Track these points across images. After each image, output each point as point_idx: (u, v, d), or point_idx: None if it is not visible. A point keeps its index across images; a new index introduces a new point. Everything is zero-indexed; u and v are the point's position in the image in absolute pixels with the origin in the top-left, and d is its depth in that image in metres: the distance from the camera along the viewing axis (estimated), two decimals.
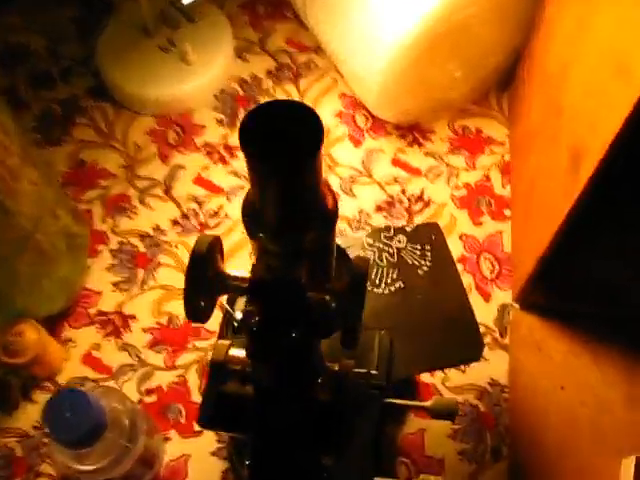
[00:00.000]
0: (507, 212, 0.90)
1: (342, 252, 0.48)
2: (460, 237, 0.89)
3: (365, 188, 0.92)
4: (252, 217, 0.41)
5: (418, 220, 0.89)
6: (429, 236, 0.73)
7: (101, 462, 0.65)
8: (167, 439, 0.78)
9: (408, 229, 0.72)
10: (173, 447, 0.78)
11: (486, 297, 0.85)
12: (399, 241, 0.72)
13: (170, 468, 0.77)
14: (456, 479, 0.76)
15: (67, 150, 0.95)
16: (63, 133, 0.96)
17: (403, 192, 0.92)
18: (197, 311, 0.43)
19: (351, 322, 0.42)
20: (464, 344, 0.68)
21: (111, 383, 0.81)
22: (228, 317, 0.67)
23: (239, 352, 0.50)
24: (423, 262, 0.71)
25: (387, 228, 0.73)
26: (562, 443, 0.76)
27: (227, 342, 0.50)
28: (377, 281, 0.72)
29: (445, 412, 0.60)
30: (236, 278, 0.45)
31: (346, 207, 0.91)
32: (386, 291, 0.71)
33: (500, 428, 0.78)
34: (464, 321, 0.70)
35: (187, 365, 0.82)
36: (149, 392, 0.81)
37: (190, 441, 0.78)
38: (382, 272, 0.72)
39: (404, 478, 0.76)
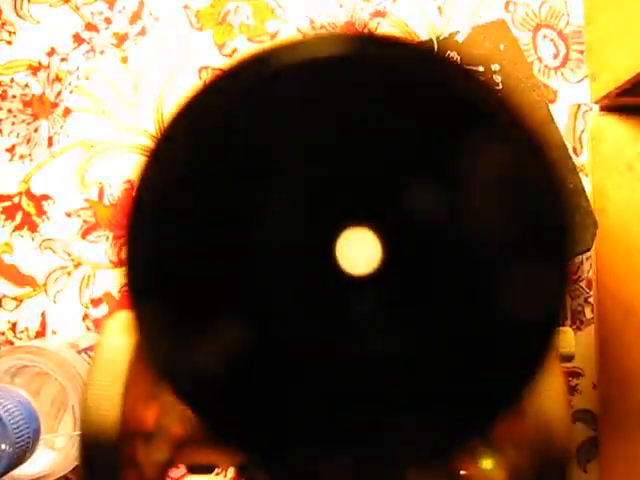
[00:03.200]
0: None
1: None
2: (506, 6, 0.60)
3: None
4: None
5: None
6: (494, 45, 0.45)
7: (46, 467, 0.45)
8: None
9: (459, 39, 0.43)
10: None
11: (550, 96, 0.59)
12: None
13: None
14: None
15: None
16: None
17: None
18: None
19: None
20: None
21: (41, 297, 0.58)
22: None
23: None
24: None
25: (426, 44, 0.44)
26: None
27: None
28: None
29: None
30: None
31: None
32: None
33: (581, 284, 0.58)
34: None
35: None
36: (96, 303, 0.58)
37: None
38: None
39: None
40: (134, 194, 0.13)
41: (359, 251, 0.13)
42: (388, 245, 0.13)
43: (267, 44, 0.13)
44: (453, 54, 0.45)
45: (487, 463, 0.22)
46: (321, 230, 0.13)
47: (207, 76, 0.59)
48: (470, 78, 0.13)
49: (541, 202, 0.13)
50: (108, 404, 0.18)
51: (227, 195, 0.13)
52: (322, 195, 0.13)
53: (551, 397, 0.19)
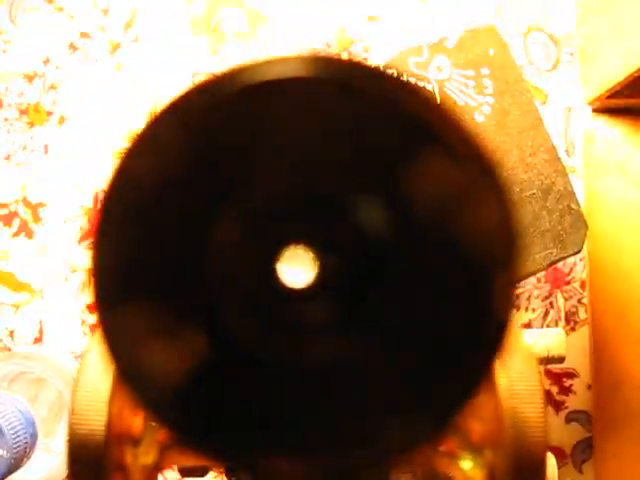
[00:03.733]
0: None
1: None
2: (497, 10, 0.60)
3: None
4: None
5: None
6: (484, 50, 0.45)
7: (44, 472, 0.45)
8: None
9: (449, 44, 0.44)
10: None
11: (542, 98, 0.59)
12: (438, 68, 0.43)
13: None
14: None
15: None
16: None
17: None
18: None
19: None
20: (560, 232, 0.44)
21: (39, 303, 0.58)
22: None
23: None
24: (482, 99, 0.44)
25: (416, 50, 0.44)
26: None
27: None
28: None
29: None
30: None
31: None
32: None
33: (575, 285, 0.58)
34: (556, 194, 0.45)
35: None
36: (92, 309, 0.58)
37: None
38: None
39: None
40: (102, 200, 0.14)
41: (298, 266, 0.13)
42: (327, 260, 0.14)
43: (236, 64, 0.14)
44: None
45: (466, 463, 0.22)
46: (268, 245, 0.14)
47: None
48: (417, 95, 0.13)
49: (489, 218, 0.13)
50: (95, 409, 0.18)
51: (189, 206, 0.14)
52: (273, 211, 0.14)
53: (527, 398, 0.20)
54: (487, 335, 0.13)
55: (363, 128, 0.13)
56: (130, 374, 0.13)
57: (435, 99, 0.13)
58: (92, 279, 0.14)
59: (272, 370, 0.13)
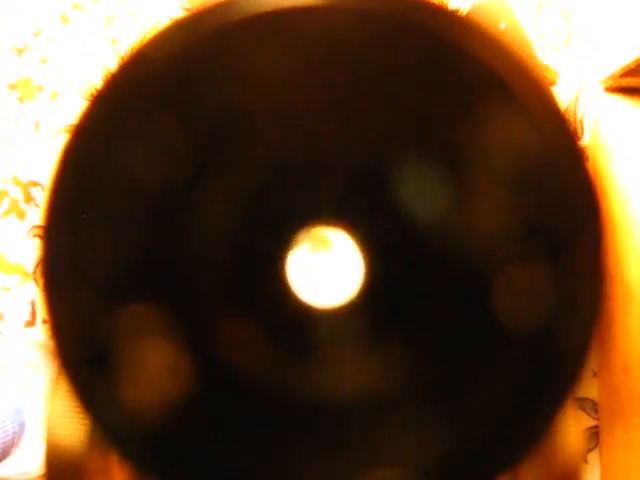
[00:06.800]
0: None
1: None
2: None
3: None
4: None
5: None
6: (494, 24, 0.43)
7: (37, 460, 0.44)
8: None
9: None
10: None
11: (553, 76, 0.57)
12: None
13: None
14: None
15: None
16: None
17: None
18: None
19: None
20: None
21: (31, 285, 0.56)
22: None
23: None
24: None
25: None
26: None
27: None
28: None
29: None
30: None
31: None
32: None
33: None
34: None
35: None
36: None
37: None
38: None
39: None
40: (53, 180, 0.12)
41: (330, 275, 0.10)
42: (372, 259, 0.11)
43: None
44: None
45: None
46: (276, 234, 0.10)
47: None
48: (484, 38, 0.10)
49: (571, 191, 0.11)
50: (74, 412, 0.17)
51: (165, 177, 0.11)
52: (283, 184, 0.10)
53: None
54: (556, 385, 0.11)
55: (408, 74, 0.10)
56: (90, 403, 0.11)
57: (505, 45, 0.10)
58: (43, 278, 0.12)
59: (275, 408, 0.11)
